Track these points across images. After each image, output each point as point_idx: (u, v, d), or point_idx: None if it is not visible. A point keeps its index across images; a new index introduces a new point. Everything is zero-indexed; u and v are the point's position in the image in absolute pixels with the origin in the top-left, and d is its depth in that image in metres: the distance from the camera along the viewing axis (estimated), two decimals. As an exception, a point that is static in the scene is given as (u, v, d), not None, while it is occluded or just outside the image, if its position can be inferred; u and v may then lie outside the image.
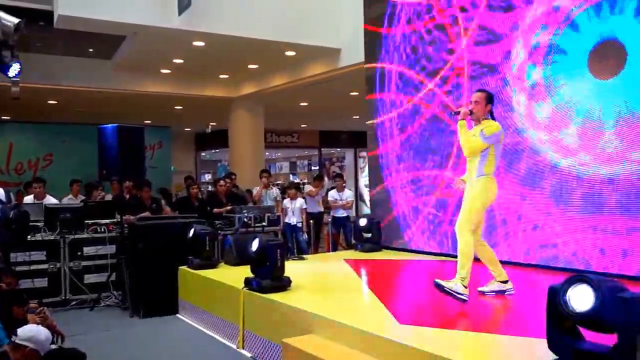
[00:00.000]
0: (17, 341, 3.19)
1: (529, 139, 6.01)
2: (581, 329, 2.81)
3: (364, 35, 8.60)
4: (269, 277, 4.98)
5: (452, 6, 6.92)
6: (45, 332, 3.37)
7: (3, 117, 16.12)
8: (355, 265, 6.68)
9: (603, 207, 5.34)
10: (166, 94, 13.60)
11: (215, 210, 8.67)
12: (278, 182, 21.60)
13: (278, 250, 5.05)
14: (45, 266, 6.95)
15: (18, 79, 6.54)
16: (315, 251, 9.99)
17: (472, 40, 6.68)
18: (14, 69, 5.94)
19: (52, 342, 3.56)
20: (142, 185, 8.31)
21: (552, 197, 5.79)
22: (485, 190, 4.58)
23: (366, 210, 17.29)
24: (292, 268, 5.27)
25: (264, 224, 7.89)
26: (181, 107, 15.89)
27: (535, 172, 5.95)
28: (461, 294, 4.40)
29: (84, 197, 9.63)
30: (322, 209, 10.59)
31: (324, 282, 5.91)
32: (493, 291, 4.73)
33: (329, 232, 10.22)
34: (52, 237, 7.05)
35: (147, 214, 8.01)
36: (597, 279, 2.70)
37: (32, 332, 3.29)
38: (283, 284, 5.03)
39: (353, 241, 8.47)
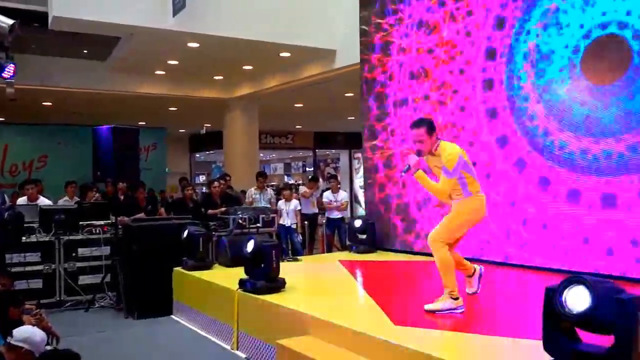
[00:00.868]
0: (12, 342, 3.20)
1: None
2: (577, 330, 2.81)
3: (359, 36, 8.62)
4: (263, 278, 4.99)
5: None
6: (40, 334, 3.38)
7: (-2, 119, 16.13)
8: (350, 266, 6.70)
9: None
10: (161, 95, 13.60)
11: (210, 211, 8.67)
12: (272, 183, 21.61)
13: (274, 251, 5.06)
14: (40, 267, 6.94)
15: (13, 81, 6.57)
16: (310, 252, 10.00)
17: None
18: (9, 71, 5.95)
19: (47, 344, 3.56)
20: (137, 186, 8.32)
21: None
22: (474, 209, 4.38)
23: (361, 211, 17.32)
24: (286, 269, 5.29)
25: (258, 225, 7.90)
26: (176, 108, 15.89)
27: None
28: (455, 309, 4.17)
29: (78, 200, 9.62)
30: (316, 211, 10.62)
31: (318, 284, 5.92)
32: (477, 284, 4.76)
33: (323, 234, 10.23)
34: (46, 239, 7.04)
35: (141, 215, 8.02)
36: (594, 280, 2.71)
37: (27, 333, 3.30)
38: (277, 285, 5.04)
39: (348, 242, 8.48)
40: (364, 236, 7.77)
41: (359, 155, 18.50)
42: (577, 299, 2.68)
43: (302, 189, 10.98)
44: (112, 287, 7.04)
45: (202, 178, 24.50)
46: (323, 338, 4.01)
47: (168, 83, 13.26)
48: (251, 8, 9.64)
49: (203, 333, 5.77)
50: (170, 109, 15.88)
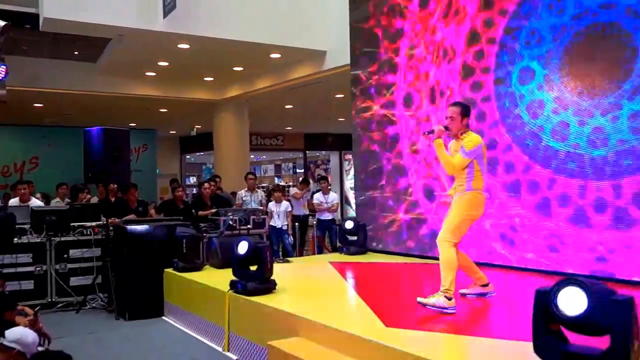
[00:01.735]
0: (4, 343, 3.22)
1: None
2: (567, 332, 2.83)
3: (349, 37, 8.67)
4: (255, 280, 5.02)
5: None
6: (32, 335, 3.39)
7: (-12, 121, 16.04)
8: (341, 267, 6.73)
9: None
10: (151, 97, 13.58)
11: (201, 212, 8.69)
12: (263, 184, 21.61)
13: (268, 252, 5.10)
14: (31, 269, 6.93)
15: (4, 82, 6.57)
16: (300, 254, 10.03)
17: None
18: (1, 72, 5.95)
19: (39, 345, 3.58)
20: (128, 187, 8.32)
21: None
22: (474, 204, 4.46)
23: (351, 212, 17.36)
24: (277, 271, 5.31)
25: (249, 226, 7.92)
26: (166, 110, 15.86)
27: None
28: (446, 308, 4.21)
29: (69, 201, 9.60)
30: (307, 212, 10.65)
31: (309, 285, 5.95)
32: (474, 294, 4.80)
33: (314, 235, 10.26)
34: (38, 240, 7.03)
35: (132, 216, 8.02)
36: (589, 281, 2.71)
37: (19, 334, 3.31)
38: (268, 287, 5.07)
39: (338, 244, 8.52)
40: (355, 237, 7.81)
41: (350, 156, 18.55)
42: (572, 301, 2.67)
43: (293, 190, 11.01)
44: (103, 288, 7.05)
45: (192, 179, 24.46)
46: (314, 339, 4.03)
47: (158, 84, 13.25)
48: (242, 9, 9.66)
49: (194, 334, 5.79)
50: (161, 110, 15.84)
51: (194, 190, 17.67)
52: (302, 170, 23.10)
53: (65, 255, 7.14)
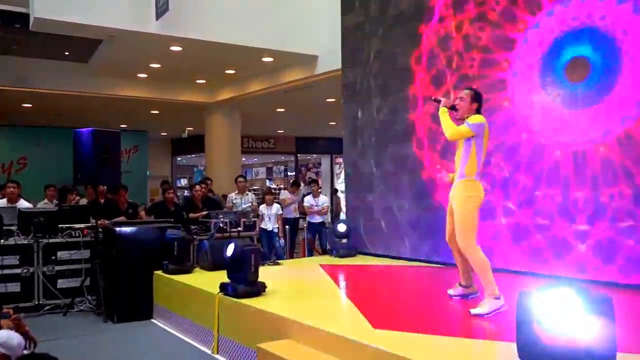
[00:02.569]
0: (-12, 346, 3.17)
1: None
2: (549, 334, 2.84)
3: (341, 42, 8.68)
4: (244, 282, 5.00)
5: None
6: (17, 338, 3.34)
7: (-24, 121, 15.93)
8: (331, 270, 6.73)
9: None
10: (142, 99, 13.54)
11: (191, 215, 8.66)
12: (255, 187, 21.59)
13: (253, 255, 5.07)
14: (18, 270, 6.86)
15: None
16: (291, 257, 10.02)
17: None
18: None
19: (25, 348, 3.53)
20: (118, 189, 8.27)
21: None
22: (470, 195, 4.42)
23: (341, 215, 17.36)
24: (267, 273, 5.30)
25: (239, 229, 7.90)
26: (158, 112, 15.82)
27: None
28: (499, 308, 4.19)
29: (57, 203, 9.54)
30: (297, 215, 10.65)
31: (299, 288, 5.94)
32: (458, 295, 4.80)
33: (304, 238, 10.26)
34: (25, 242, 6.97)
35: (122, 218, 7.98)
36: (575, 283, 2.77)
37: (4, 337, 3.26)
38: (258, 289, 5.05)
39: (328, 247, 8.52)
40: (345, 240, 7.81)
41: (340, 160, 18.55)
42: (559, 303, 2.71)
43: (284, 194, 11.00)
44: (91, 290, 6.99)
45: (183, 182, 24.40)
46: (303, 342, 4.03)
47: (150, 86, 13.22)
48: (234, 12, 9.66)
49: (183, 337, 5.76)
50: (152, 112, 15.81)
51: (185, 193, 17.63)
52: (294, 173, 23.11)
53: (53, 257, 7.07)
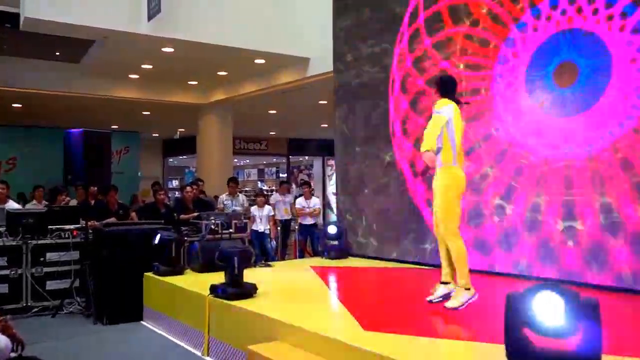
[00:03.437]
0: (-24, 348, 3.15)
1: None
2: (536, 335, 2.87)
3: (333, 45, 8.68)
4: (233, 284, 4.99)
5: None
6: (4, 340, 3.32)
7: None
8: (322, 272, 6.73)
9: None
10: (134, 100, 13.51)
11: (182, 216, 8.63)
12: (246, 188, 21.56)
13: (236, 257, 5.06)
14: (6, 272, 6.80)
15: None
16: (282, 258, 10.01)
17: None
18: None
19: (12, 350, 3.51)
20: (108, 190, 8.22)
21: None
22: (449, 183, 4.43)
23: (333, 217, 17.37)
24: (258, 275, 5.29)
25: (231, 230, 7.88)
26: (149, 113, 15.78)
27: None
28: (470, 298, 4.39)
29: (47, 203, 9.48)
30: (289, 217, 10.64)
31: (290, 289, 5.93)
32: (440, 297, 4.70)
33: (296, 240, 10.26)
34: (14, 243, 6.92)
35: (112, 219, 7.94)
36: (562, 286, 2.77)
37: (-9, 339, 3.24)
38: (249, 291, 5.04)
39: (320, 248, 8.52)
40: (336, 242, 7.80)
41: (332, 162, 18.57)
42: (547, 305, 2.73)
43: (274, 197, 11.00)
44: (81, 292, 6.95)
45: (175, 183, 24.34)
46: (293, 343, 4.02)
47: (142, 87, 13.19)
48: (226, 14, 9.66)
49: (173, 339, 5.73)
50: (144, 113, 15.76)
51: (177, 194, 17.58)
52: (285, 175, 23.11)
53: (42, 259, 7.02)
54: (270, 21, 10.10)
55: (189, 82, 13.29)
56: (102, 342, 5.78)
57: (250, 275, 5.23)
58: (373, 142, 7.79)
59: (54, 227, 7.27)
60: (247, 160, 25.72)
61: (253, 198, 11.04)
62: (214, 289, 5.10)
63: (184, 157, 22.60)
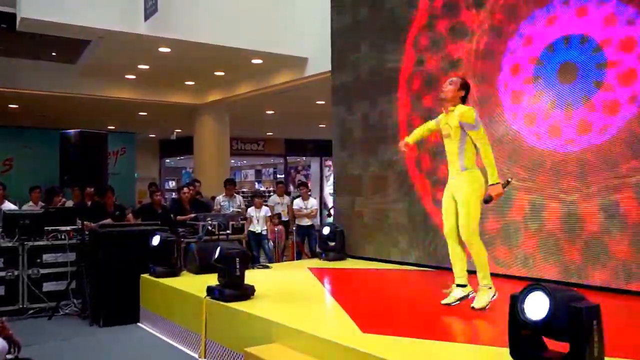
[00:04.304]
0: (-29, 351, 3.13)
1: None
2: (541, 339, 2.86)
3: (331, 44, 8.66)
4: (230, 286, 4.96)
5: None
6: (1, 342, 3.30)
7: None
8: (319, 274, 6.71)
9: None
10: (131, 100, 13.47)
11: (179, 217, 8.60)
12: (243, 189, 21.54)
13: (237, 258, 5.03)
14: (2, 273, 6.76)
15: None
16: (280, 260, 9.99)
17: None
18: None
19: (8, 352, 3.48)
20: (105, 191, 8.20)
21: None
22: (474, 183, 4.43)
23: (330, 218, 17.37)
24: (255, 277, 5.27)
25: (228, 231, 7.86)
26: (146, 113, 15.74)
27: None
28: (493, 296, 4.45)
29: (44, 204, 9.45)
30: (286, 218, 10.62)
31: (287, 291, 5.91)
32: (458, 299, 4.67)
33: (293, 241, 10.23)
34: (10, 244, 6.89)
35: (109, 220, 7.91)
36: (553, 287, 2.76)
37: (-13, 341, 3.22)
38: (246, 293, 5.02)
39: (317, 250, 8.50)
40: (334, 243, 7.78)
41: (330, 162, 18.56)
42: (536, 306, 2.74)
43: (273, 199, 10.99)
44: (77, 294, 6.92)
45: (172, 184, 24.29)
46: (291, 346, 4.00)
47: (138, 87, 13.15)
48: (224, 14, 9.63)
49: (170, 341, 5.70)
50: (140, 113, 15.72)
51: (173, 195, 17.55)
52: (283, 176, 23.09)
53: (38, 260, 6.99)
54: (268, 21, 10.07)
55: (186, 83, 13.26)
56: (98, 344, 5.74)
57: (247, 276, 5.20)
58: (371, 142, 7.77)
59: (50, 228, 7.24)
60: (244, 161, 25.69)
61: (250, 198, 11.03)
62: (210, 291, 5.08)
63: (181, 157, 22.55)
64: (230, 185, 10.02)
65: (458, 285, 4.68)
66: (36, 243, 7.01)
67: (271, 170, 25.63)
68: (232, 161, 19.77)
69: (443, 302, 4.67)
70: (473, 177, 4.47)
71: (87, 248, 6.79)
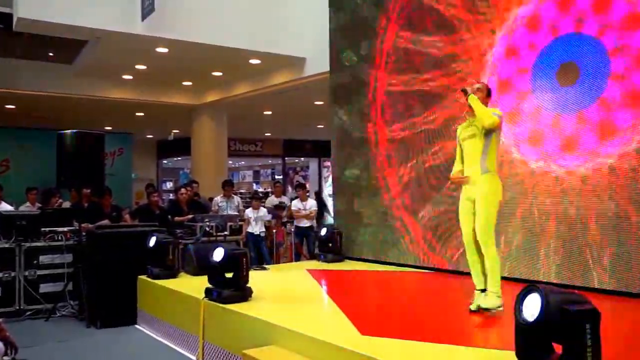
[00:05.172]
0: (-33, 353, 3.10)
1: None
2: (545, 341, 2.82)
3: (329, 44, 8.64)
4: (231, 287, 4.93)
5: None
6: (-3, 344, 3.28)
7: (-43, 122, 15.69)
8: (318, 275, 6.69)
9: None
10: (128, 100, 13.43)
11: (177, 218, 8.57)
12: (241, 190, 21.50)
13: (244, 259, 5.01)
14: (-1, 275, 6.76)
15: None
16: (278, 261, 9.97)
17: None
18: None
19: (5, 354, 3.46)
20: (103, 193, 8.16)
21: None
22: (494, 187, 4.39)
23: (329, 219, 17.34)
24: (253, 278, 5.24)
25: (225, 233, 7.83)
26: (143, 114, 15.71)
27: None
28: (499, 307, 4.32)
29: (40, 205, 9.41)
30: (285, 219, 10.60)
31: (285, 293, 5.89)
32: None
33: (291, 242, 10.21)
34: (6, 245, 6.85)
35: (106, 221, 7.87)
36: (550, 289, 2.75)
37: (-17, 343, 3.19)
38: (244, 294, 4.99)
39: (316, 251, 8.48)
40: (332, 245, 7.75)
41: (329, 163, 18.54)
42: (532, 307, 2.73)
43: (271, 201, 10.96)
44: (74, 295, 6.89)
45: (169, 185, 24.24)
46: (289, 348, 3.98)
47: (135, 88, 13.11)
48: (221, 14, 9.61)
49: (167, 343, 5.68)
50: (138, 114, 15.69)
51: (171, 196, 17.51)
52: (281, 177, 23.06)
53: (35, 261, 6.97)
54: (266, 21, 10.05)
55: (184, 83, 13.23)
56: (95, 345, 5.72)
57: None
58: (370, 143, 7.75)
59: (47, 229, 7.21)
60: (242, 162, 25.64)
61: (249, 199, 11.01)
62: (208, 292, 5.05)
63: (179, 158, 22.49)
64: (228, 187, 9.99)
65: (481, 291, 4.56)
66: (33, 244, 6.98)
67: (269, 171, 25.59)
68: (230, 162, 19.73)
69: (470, 307, 4.56)
70: (495, 180, 4.42)
71: (84, 249, 6.76)
